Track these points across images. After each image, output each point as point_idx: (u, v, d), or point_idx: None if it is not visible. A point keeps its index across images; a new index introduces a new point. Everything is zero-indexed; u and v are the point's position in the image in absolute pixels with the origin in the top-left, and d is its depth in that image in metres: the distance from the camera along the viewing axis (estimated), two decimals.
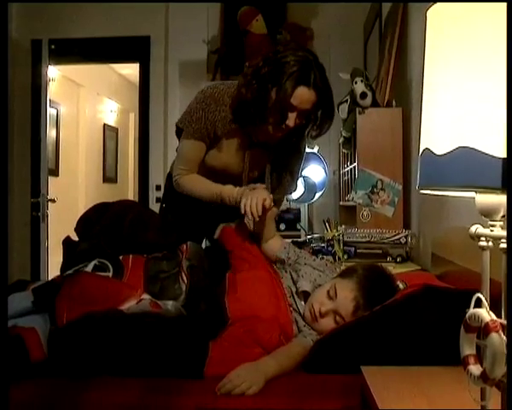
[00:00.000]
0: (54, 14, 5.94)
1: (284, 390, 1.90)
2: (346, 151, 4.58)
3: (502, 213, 1.07)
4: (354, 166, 4.13)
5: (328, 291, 2.25)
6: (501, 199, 1.05)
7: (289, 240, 4.10)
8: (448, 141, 1.03)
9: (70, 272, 2.45)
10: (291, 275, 2.44)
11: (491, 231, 1.09)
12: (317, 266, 2.50)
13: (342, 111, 4.08)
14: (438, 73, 1.09)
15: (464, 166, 1.00)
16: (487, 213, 1.08)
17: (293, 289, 2.39)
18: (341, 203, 5.23)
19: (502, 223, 1.08)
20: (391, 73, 3.90)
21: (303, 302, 2.35)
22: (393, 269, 2.91)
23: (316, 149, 5.11)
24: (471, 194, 1.12)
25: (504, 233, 1.06)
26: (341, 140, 4.52)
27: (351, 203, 4.09)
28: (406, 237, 3.48)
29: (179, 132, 2.83)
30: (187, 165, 2.81)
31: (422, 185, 1.11)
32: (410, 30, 3.92)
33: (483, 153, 0.98)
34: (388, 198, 3.79)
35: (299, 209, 5.60)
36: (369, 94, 3.87)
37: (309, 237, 4.21)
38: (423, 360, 1.76)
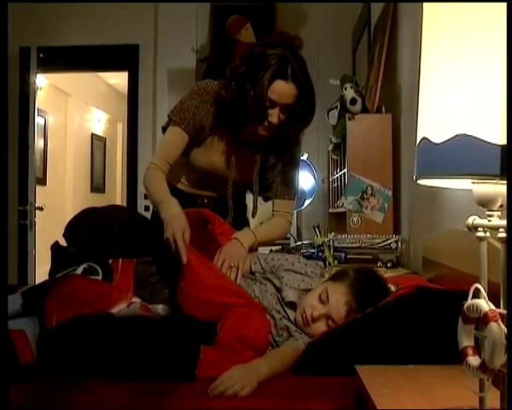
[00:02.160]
0: (42, 22, 5.93)
1: (277, 392, 1.89)
2: (335, 157, 4.58)
3: (499, 203, 1.06)
4: (344, 173, 4.13)
5: (320, 295, 2.23)
6: (499, 188, 1.04)
7: (279, 247, 4.11)
8: (446, 129, 1.02)
9: (59, 275, 2.43)
10: (273, 283, 2.41)
11: (489, 221, 1.08)
12: (298, 270, 2.47)
13: (332, 117, 4.08)
14: (435, 61, 1.08)
15: (462, 153, 1.00)
16: (485, 203, 1.07)
17: (279, 296, 2.37)
18: (331, 210, 5.23)
19: (499, 213, 1.07)
20: (380, 80, 3.91)
21: (292, 311, 2.33)
22: (384, 274, 2.90)
23: (305, 157, 5.11)
24: (468, 185, 1.11)
25: (502, 223, 1.05)
26: (331, 146, 4.52)
27: (340, 210, 4.09)
28: (396, 242, 3.48)
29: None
30: (163, 157, 2.69)
31: (420, 175, 1.10)
32: (400, 36, 3.93)
33: (481, 140, 0.98)
34: (378, 204, 3.78)
35: None
36: (359, 100, 3.87)
37: (299, 243, 4.20)
38: (416, 362, 1.75)
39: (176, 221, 2.40)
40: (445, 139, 1.02)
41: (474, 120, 1.00)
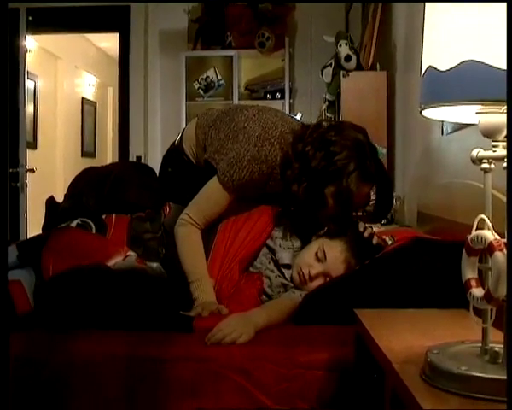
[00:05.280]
0: None
1: (275, 340, 1.90)
2: (330, 115, 4.56)
3: (504, 133, 1.05)
4: None
5: (317, 253, 2.22)
6: (504, 118, 1.03)
7: None
8: (453, 56, 1.01)
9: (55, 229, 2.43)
10: (265, 243, 2.40)
11: (494, 151, 1.07)
12: (290, 228, 2.42)
13: (326, 75, 4.06)
14: None
15: (470, 79, 0.99)
16: (490, 134, 1.06)
17: (273, 256, 2.36)
18: None
19: (504, 143, 1.06)
20: (375, 37, 3.89)
21: (287, 270, 2.32)
22: (379, 229, 2.90)
23: (298, 117, 5.09)
24: (473, 118, 1.11)
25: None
26: (325, 105, 4.51)
27: None
28: None
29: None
30: (206, 217, 2.38)
31: (426, 103, 1.08)
32: None
33: (488, 65, 0.97)
34: None
35: None
36: (354, 57, 3.85)
37: None
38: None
39: (207, 306, 2.16)
40: (452, 66, 1.01)
41: (481, 46, 0.99)
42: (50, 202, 2.69)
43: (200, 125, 2.61)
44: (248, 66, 5.93)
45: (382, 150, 3.78)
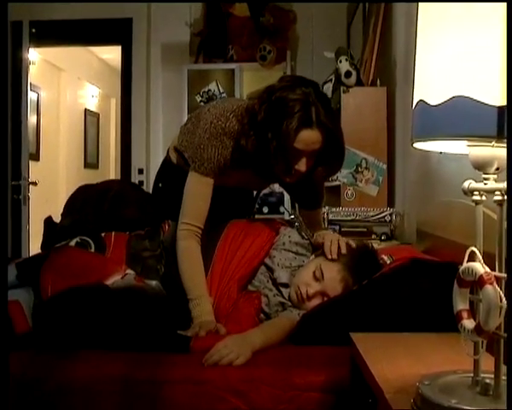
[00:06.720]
0: None
1: (271, 361, 1.90)
2: None
3: (495, 166, 1.06)
4: None
5: (314, 272, 2.22)
6: (495, 152, 1.04)
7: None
8: (443, 91, 1.02)
9: (54, 247, 2.43)
10: (263, 262, 2.41)
11: (485, 184, 1.08)
12: (289, 248, 2.42)
13: (326, 90, 4.06)
14: (432, 23, 1.07)
15: (459, 115, 1.00)
16: (481, 167, 1.07)
17: (271, 275, 2.37)
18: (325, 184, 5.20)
19: (495, 176, 1.07)
20: (375, 53, 3.90)
21: (285, 288, 2.33)
22: (378, 246, 2.91)
23: None
24: (464, 149, 1.11)
25: (498, 186, 1.05)
26: None
27: (334, 183, 4.08)
28: (391, 215, 3.49)
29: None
30: (197, 213, 2.41)
31: (416, 137, 1.09)
32: (395, 9, 3.92)
33: (478, 102, 0.98)
34: (373, 177, 3.79)
35: (281, 192, 5.58)
36: (354, 73, 3.85)
37: (292, 216, 4.19)
38: (410, 331, 1.76)
39: (204, 325, 2.15)
40: (442, 101, 1.02)
41: (471, 82, 0.99)
42: (48, 221, 2.69)
43: (180, 130, 2.69)
44: (250, 79, 5.93)
45: (382, 166, 3.80)
